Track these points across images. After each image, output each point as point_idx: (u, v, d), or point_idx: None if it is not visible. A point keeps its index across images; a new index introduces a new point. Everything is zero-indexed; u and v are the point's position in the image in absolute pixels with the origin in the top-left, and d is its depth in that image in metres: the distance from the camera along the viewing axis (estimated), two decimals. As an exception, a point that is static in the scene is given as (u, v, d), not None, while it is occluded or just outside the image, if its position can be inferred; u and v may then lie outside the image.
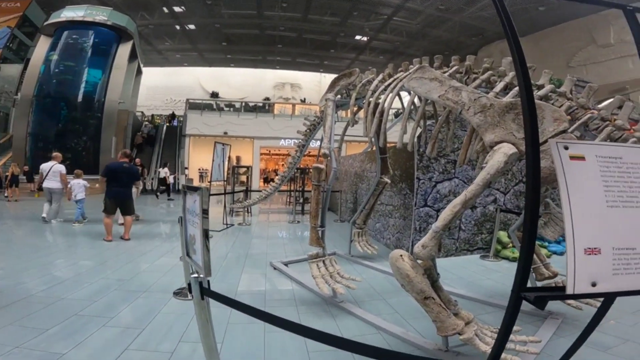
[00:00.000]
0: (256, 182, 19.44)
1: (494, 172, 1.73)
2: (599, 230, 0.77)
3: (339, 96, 4.02)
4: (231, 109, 23.07)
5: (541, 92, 2.15)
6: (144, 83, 25.01)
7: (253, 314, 1.68)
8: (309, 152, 5.66)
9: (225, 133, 20.40)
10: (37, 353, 2.23)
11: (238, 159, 13.07)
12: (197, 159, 21.41)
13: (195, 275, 1.75)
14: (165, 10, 19.95)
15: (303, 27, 22.03)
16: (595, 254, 0.76)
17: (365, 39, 23.55)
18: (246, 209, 8.67)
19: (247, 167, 10.95)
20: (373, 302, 3.42)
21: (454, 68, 2.75)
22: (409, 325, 2.83)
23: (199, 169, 21.91)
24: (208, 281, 1.80)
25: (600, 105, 2.03)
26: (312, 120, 4.99)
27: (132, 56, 19.66)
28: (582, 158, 0.82)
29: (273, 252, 5.40)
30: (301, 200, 10.29)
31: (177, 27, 22.15)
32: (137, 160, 10.69)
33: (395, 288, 3.64)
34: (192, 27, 22.24)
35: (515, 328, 2.26)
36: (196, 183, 19.51)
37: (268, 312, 1.71)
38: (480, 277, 4.26)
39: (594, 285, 0.75)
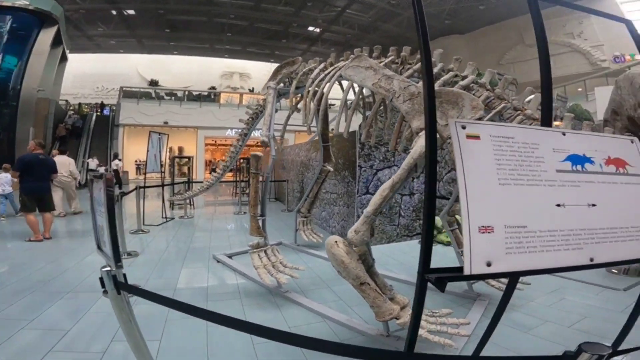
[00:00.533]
0: (201, 173, 18.61)
1: (416, 156, 1.79)
2: (492, 207, 0.79)
3: (281, 84, 3.93)
4: (172, 97, 21.69)
5: (464, 82, 2.27)
6: (71, 70, 22.62)
7: (180, 309, 1.54)
8: (257, 142, 5.56)
9: (166, 123, 19.24)
10: None
11: (180, 149, 12.33)
12: (134, 150, 19.86)
13: (107, 268, 1.55)
14: None
15: (255, 15, 21.23)
16: (488, 232, 0.78)
17: (317, 30, 23.44)
18: (188, 202, 8.22)
19: (189, 158, 10.35)
20: (318, 290, 3.42)
21: (390, 58, 2.81)
22: (353, 312, 2.87)
23: (136, 161, 20.31)
24: (124, 275, 1.65)
25: (514, 97, 2.20)
26: (254, 108, 4.83)
27: (56, 42, 17.66)
28: (478, 137, 0.84)
29: (217, 245, 5.19)
30: (247, 191, 10.07)
31: (114, 12, 20.03)
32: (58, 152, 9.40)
33: (339, 276, 3.72)
34: (131, 12, 20.25)
35: (446, 310, 2.39)
36: (132, 175, 18.04)
37: (195, 306, 1.59)
38: (415, 261, 4.49)
39: (489, 265, 0.77)
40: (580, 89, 15.31)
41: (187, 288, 3.49)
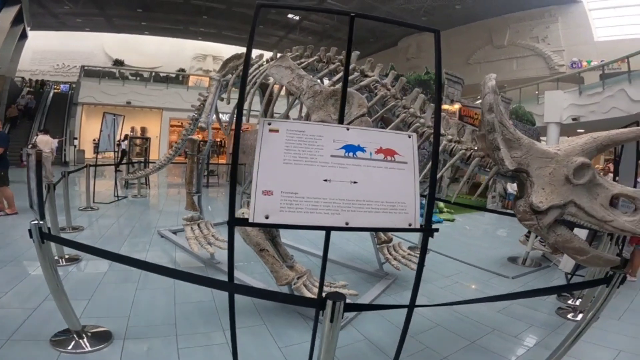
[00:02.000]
0: (159, 154, 18.25)
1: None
2: (274, 179, 1.10)
3: (229, 76, 4.14)
4: (138, 78, 20.93)
5: (363, 83, 2.61)
6: (30, 46, 21.47)
7: (95, 253, 1.84)
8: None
9: (129, 103, 18.67)
10: None
11: (143, 129, 12.12)
12: (93, 130, 19.11)
13: (35, 221, 1.87)
14: None
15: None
16: (269, 195, 1.09)
17: (296, 18, 23.21)
18: (143, 181, 8.23)
19: (145, 139, 10.25)
20: (250, 263, 3.73)
21: (315, 57, 3.10)
22: (273, 283, 3.21)
23: (94, 140, 19.66)
24: (49, 227, 1.96)
25: (405, 97, 2.56)
26: (205, 96, 4.99)
27: (17, 20, 16.64)
28: (277, 131, 1.14)
29: (165, 223, 5.37)
30: (206, 173, 10.16)
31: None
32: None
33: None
34: (100, -11, 19.18)
35: (342, 282, 2.77)
36: (89, 155, 17.43)
37: (97, 248, 1.86)
38: (348, 244, 4.85)
39: (267, 217, 1.08)
40: (536, 92, 16.30)
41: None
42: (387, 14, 20.95)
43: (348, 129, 1.22)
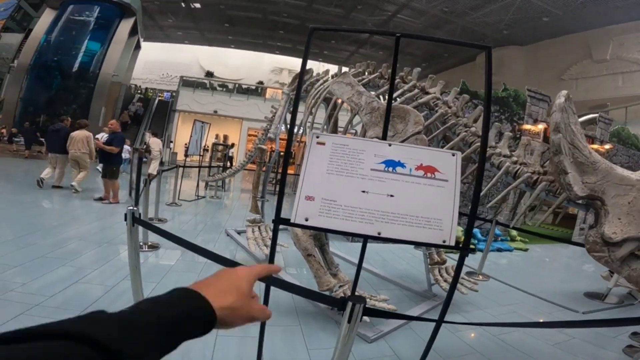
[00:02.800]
0: (239, 160, 19.77)
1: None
2: (316, 186, 1.20)
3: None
4: (224, 89, 23.29)
5: (423, 100, 2.60)
6: (142, 57, 25.15)
7: (171, 239, 2.13)
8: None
9: (215, 112, 20.78)
10: (1, 283, 2.69)
11: (225, 137, 13.53)
12: (185, 135, 21.71)
13: (131, 207, 2.26)
14: None
15: (306, 15, 22.06)
16: (311, 200, 1.20)
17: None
18: (220, 184, 9.10)
19: (225, 145, 11.35)
20: (299, 267, 3.92)
21: (377, 74, 3.19)
22: (313, 284, 3.33)
23: (185, 144, 22.25)
24: (140, 213, 2.31)
25: (467, 115, 2.47)
26: (277, 108, 5.40)
27: (133, 32, 20.07)
28: (324, 143, 1.25)
29: (233, 223, 5.86)
30: (273, 181, 10.76)
31: (182, 4, 22.10)
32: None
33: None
34: (197, 5, 22.22)
35: (383, 296, 2.77)
36: (180, 157, 19.83)
37: (182, 238, 2.18)
38: (399, 262, 4.75)
39: (307, 220, 1.19)
40: None
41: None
42: (464, 28, 20.05)
43: (390, 145, 1.29)
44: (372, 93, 2.75)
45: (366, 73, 3.38)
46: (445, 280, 3.19)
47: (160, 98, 24.33)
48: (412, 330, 2.70)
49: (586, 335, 2.84)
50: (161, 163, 18.60)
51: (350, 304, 1.07)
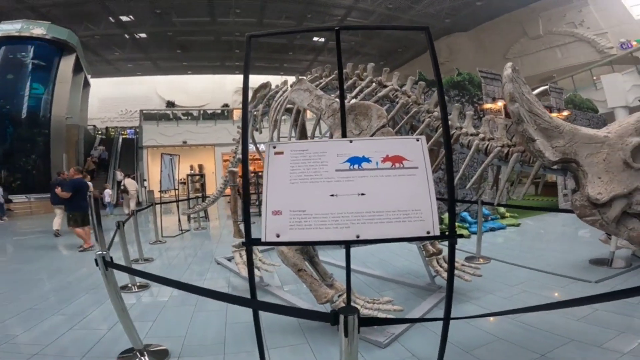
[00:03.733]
0: (215, 189, 19.23)
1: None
2: (282, 198, 1.12)
3: (260, 106, 4.35)
4: (189, 117, 22.80)
5: (382, 93, 2.57)
6: (95, 95, 24.11)
7: (149, 278, 2.06)
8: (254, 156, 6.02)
9: (185, 142, 20.24)
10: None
11: (200, 167, 13.25)
12: (158, 170, 21.03)
13: (100, 252, 2.14)
14: (112, 19, 19.38)
15: (259, 31, 22.16)
16: (278, 215, 1.10)
17: (322, 40, 23.99)
18: (203, 214, 8.86)
19: (201, 175, 11.14)
20: (295, 284, 3.77)
21: (333, 75, 3.16)
22: (312, 303, 3.20)
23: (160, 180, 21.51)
24: (111, 257, 2.19)
25: (427, 101, 2.46)
26: None
27: (77, 69, 19.07)
28: (282, 153, 1.17)
29: (222, 251, 5.65)
30: (256, 202, 10.56)
31: (127, 36, 21.54)
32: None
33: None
34: (142, 35, 21.68)
35: (386, 298, 2.65)
36: (157, 195, 19.14)
37: (158, 275, 2.04)
38: (398, 259, 4.71)
39: (278, 236, 1.10)
40: (595, 78, 14.85)
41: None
42: (410, 21, 20.75)
43: (351, 142, 1.21)
44: (332, 95, 2.70)
45: (322, 77, 3.34)
46: (446, 270, 3.13)
47: (123, 136, 23.50)
48: (426, 327, 2.60)
49: (608, 305, 2.74)
50: (138, 202, 18.00)
51: (342, 316, 0.97)
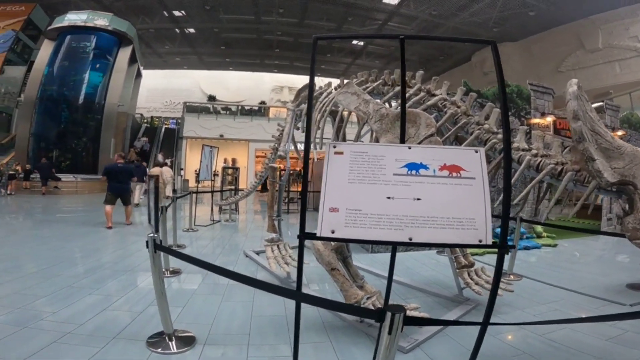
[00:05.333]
0: (249, 183, 19.61)
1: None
2: (339, 197, 1.17)
3: (302, 106, 4.47)
4: (227, 112, 23.53)
5: (431, 102, 2.57)
6: (143, 85, 25.39)
7: (195, 263, 2.13)
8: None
9: (221, 136, 20.92)
10: (32, 312, 2.76)
11: (234, 160, 13.66)
12: (194, 161, 21.88)
13: (152, 234, 2.25)
14: (166, 14, 20.50)
15: (300, 32, 22.44)
16: (335, 212, 1.16)
17: (361, 43, 23.94)
18: (234, 207, 9.15)
19: (235, 169, 11.46)
20: (321, 283, 3.87)
21: (380, 80, 3.19)
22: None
23: (195, 170, 22.31)
24: (161, 240, 2.31)
25: (478, 113, 2.42)
26: (283, 126, 5.38)
27: (132, 60, 20.29)
28: (342, 153, 1.23)
29: (250, 244, 5.81)
30: (286, 200, 10.74)
31: (177, 30, 22.71)
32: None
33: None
34: (191, 30, 22.78)
35: (414, 305, 2.69)
36: (192, 184, 19.89)
37: (209, 262, 2.16)
38: (424, 268, 4.64)
39: (333, 232, 1.16)
40: None
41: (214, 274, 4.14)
42: (454, 29, 20.17)
43: (410, 148, 1.25)
44: (378, 100, 2.73)
45: (369, 81, 3.38)
46: (477, 283, 3.08)
47: (166, 126, 24.72)
48: (448, 336, 2.58)
49: (639, 327, 2.68)
50: (174, 191, 18.87)
51: (389, 314, 1.01)
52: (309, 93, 1.31)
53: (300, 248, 1.26)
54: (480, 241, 1.14)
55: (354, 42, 23.87)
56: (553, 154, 2.08)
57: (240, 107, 23.75)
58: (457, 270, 3.28)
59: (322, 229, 1.16)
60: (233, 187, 10.98)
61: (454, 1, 17.58)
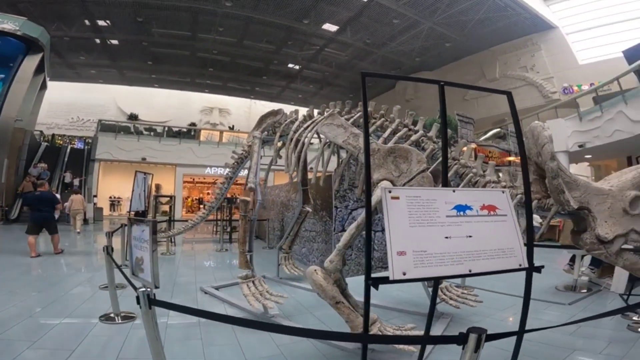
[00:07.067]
0: (179, 212, 18.07)
1: (374, 203, 2.26)
2: (404, 240, 1.28)
3: (265, 133, 4.41)
4: (152, 133, 21.59)
5: (414, 138, 2.86)
6: (45, 98, 21.80)
7: (200, 315, 2.02)
8: (236, 181, 5.93)
9: (144, 159, 18.87)
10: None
11: (158, 187, 12.44)
12: (108, 186, 19.45)
13: (143, 289, 1.96)
14: (87, 22, 18.34)
15: (237, 52, 22.21)
16: (403, 255, 1.26)
17: (297, 67, 24.54)
18: (170, 239, 8.36)
19: (170, 197, 10.55)
20: (301, 315, 3.79)
21: (359, 113, 3.39)
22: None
23: (110, 197, 19.79)
24: (154, 294, 2.02)
25: (452, 149, 2.79)
26: (239, 153, 5.13)
27: (39, 69, 17.39)
28: (398, 198, 1.35)
29: (203, 280, 5.39)
30: (228, 229, 10.26)
31: (97, 40, 20.43)
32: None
33: (320, 303, 4.04)
34: (114, 42, 20.73)
35: (410, 325, 2.86)
36: (106, 212, 17.45)
37: (211, 312, 1.97)
38: (391, 289, 4.89)
39: (404, 274, 1.25)
40: (536, 122, 16.48)
41: (179, 316, 3.61)
42: (383, 58, 22.30)
43: (454, 191, 1.43)
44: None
45: (343, 113, 3.53)
46: (451, 298, 3.39)
47: (72, 145, 21.61)
48: (445, 349, 2.72)
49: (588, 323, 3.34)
50: (85, 220, 16.36)
51: (474, 335, 1.13)
52: (364, 126, 1.39)
53: (367, 293, 1.31)
54: (520, 265, 1.38)
55: (290, 65, 24.48)
56: (518, 185, 2.48)
57: (167, 129, 22.06)
58: (429, 288, 3.56)
59: (394, 272, 1.24)
60: (168, 217, 10.06)
61: (385, 31, 19.34)
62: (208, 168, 20.26)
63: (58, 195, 9.61)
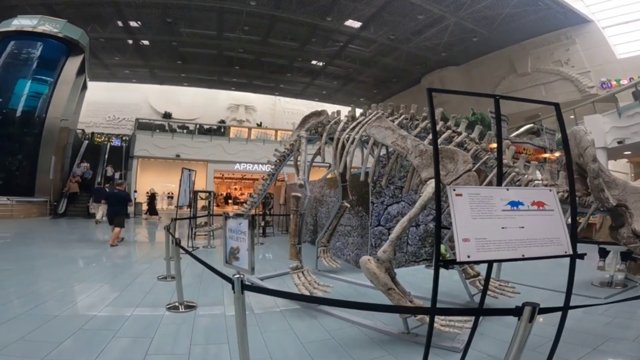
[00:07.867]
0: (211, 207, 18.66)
1: (426, 199, 2.54)
2: (468, 229, 1.57)
3: (308, 132, 4.70)
4: (184, 130, 22.48)
5: (458, 140, 3.10)
6: (85, 98, 23.27)
7: (287, 297, 2.20)
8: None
9: (178, 156, 19.78)
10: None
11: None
12: (146, 182, 20.47)
13: (238, 275, 2.23)
14: (120, 24, 19.36)
15: (262, 50, 22.65)
16: (467, 242, 1.56)
17: (321, 64, 24.69)
18: (211, 233, 8.83)
19: (209, 192, 11.09)
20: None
21: (402, 116, 3.63)
22: (375, 319, 3.44)
23: (147, 192, 20.81)
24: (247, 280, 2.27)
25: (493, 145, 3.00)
26: (282, 152, 5.40)
27: (80, 70, 18.45)
28: (461, 195, 1.64)
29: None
30: (262, 223, 10.70)
31: (130, 41, 21.51)
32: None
33: (359, 293, 4.38)
34: (146, 42, 21.72)
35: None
36: (145, 207, 18.31)
37: (304, 294, 2.19)
38: (425, 282, 5.03)
39: (468, 257, 1.54)
40: (572, 117, 15.67)
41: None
42: (408, 54, 22.07)
43: (507, 189, 1.71)
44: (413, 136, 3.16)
45: (386, 114, 3.77)
46: (490, 289, 3.62)
47: (109, 144, 22.80)
48: (483, 335, 2.96)
49: (623, 315, 3.54)
50: (126, 214, 17.16)
51: (528, 307, 1.41)
52: (432, 136, 1.67)
53: (436, 273, 1.62)
54: (565, 252, 1.64)
55: (313, 62, 24.70)
56: (559, 184, 2.68)
57: (198, 126, 22.92)
58: (468, 281, 3.79)
59: (460, 255, 1.53)
60: (208, 212, 10.60)
61: (409, 26, 19.07)
62: (237, 164, 21.04)
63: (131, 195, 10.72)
